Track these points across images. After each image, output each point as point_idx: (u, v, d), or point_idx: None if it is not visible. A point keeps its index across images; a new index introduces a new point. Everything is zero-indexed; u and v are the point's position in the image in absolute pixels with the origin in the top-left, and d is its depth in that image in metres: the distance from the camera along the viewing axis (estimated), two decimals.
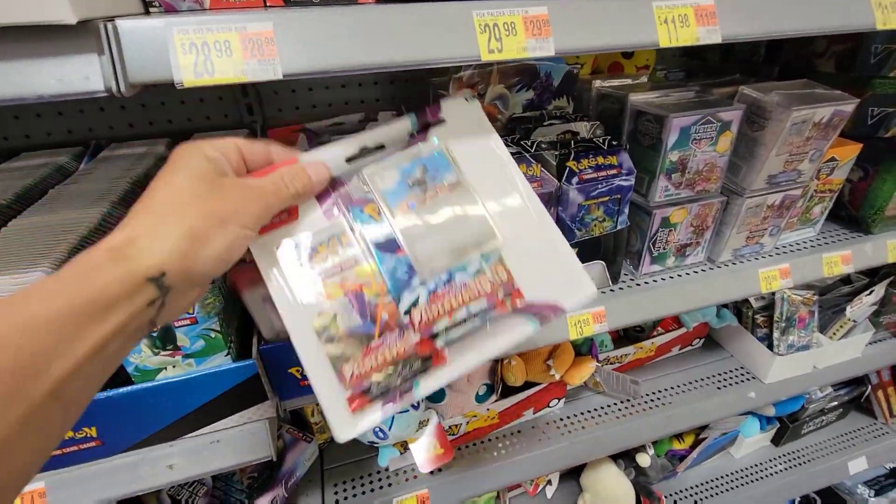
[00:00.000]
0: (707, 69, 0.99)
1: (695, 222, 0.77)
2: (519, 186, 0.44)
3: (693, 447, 1.23)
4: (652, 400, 1.06)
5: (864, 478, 1.50)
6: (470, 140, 0.44)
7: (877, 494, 1.47)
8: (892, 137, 0.83)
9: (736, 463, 1.33)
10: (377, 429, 0.78)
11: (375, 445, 0.84)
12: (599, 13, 0.41)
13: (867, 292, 1.05)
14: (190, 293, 0.33)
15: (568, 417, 1.02)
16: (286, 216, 0.39)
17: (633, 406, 1.04)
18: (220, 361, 0.51)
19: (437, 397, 0.88)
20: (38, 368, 0.25)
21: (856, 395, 1.32)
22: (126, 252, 0.29)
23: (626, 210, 0.71)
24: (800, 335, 1.05)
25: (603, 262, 0.74)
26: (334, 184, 0.41)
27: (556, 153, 0.66)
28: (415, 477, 0.89)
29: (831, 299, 1.11)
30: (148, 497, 0.76)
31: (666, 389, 1.09)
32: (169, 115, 0.89)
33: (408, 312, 0.40)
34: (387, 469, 0.91)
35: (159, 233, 0.30)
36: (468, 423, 0.91)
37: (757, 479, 1.30)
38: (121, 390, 0.48)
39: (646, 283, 0.79)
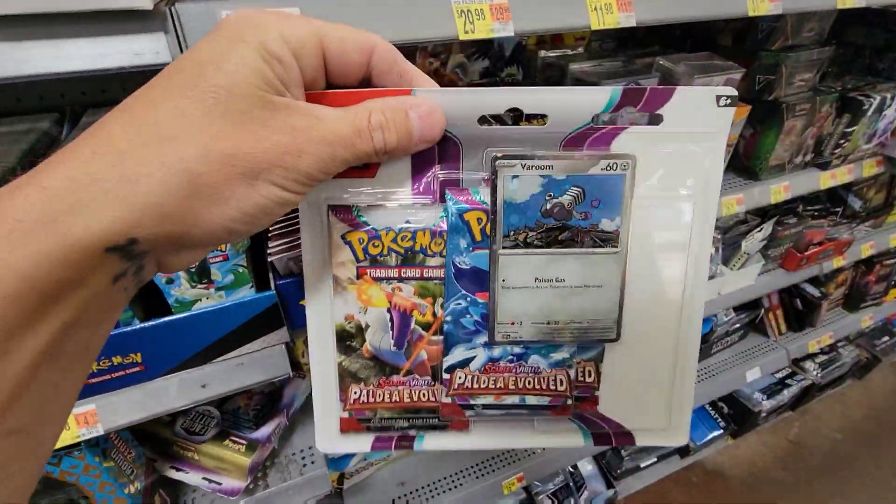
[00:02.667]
0: (635, 40, 1.15)
1: None
2: (695, 260, 0.29)
3: None
4: None
5: (758, 386, 1.84)
6: (678, 170, 0.28)
7: (768, 398, 1.81)
8: (773, 100, 1.03)
9: None
10: None
11: None
12: (548, 3, 0.53)
13: (758, 229, 1.29)
14: (184, 256, 0.23)
15: None
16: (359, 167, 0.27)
17: None
18: (246, 293, 0.61)
19: None
20: None
21: (752, 317, 1.61)
22: (68, 208, 0.18)
23: None
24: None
25: None
26: (447, 151, 0.28)
27: (511, 114, 0.79)
28: None
29: (732, 237, 1.34)
30: (162, 429, 0.85)
31: None
32: (143, 81, 0.92)
33: (451, 369, 0.31)
34: None
35: (130, 174, 0.19)
36: None
37: None
38: (163, 320, 0.58)
39: None
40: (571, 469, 1.58)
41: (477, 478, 1.30)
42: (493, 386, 0.31)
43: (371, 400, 0.32)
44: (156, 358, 0.60)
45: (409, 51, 0.84)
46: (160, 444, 0.85)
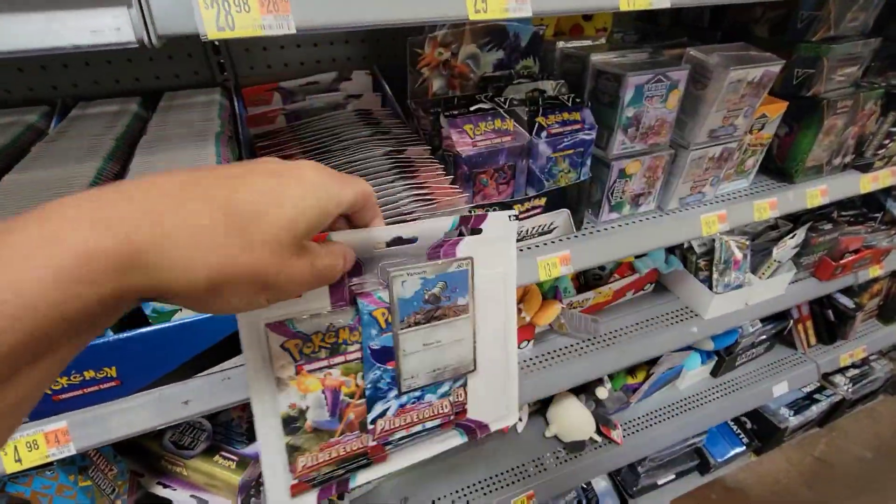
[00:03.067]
0: (659, 32, 1.07)
1: (647, 173, 0.86)
2: (508, 310, 0.44)
3: (645, 381, 1.38)
4: (609, 338, 1.19)
5: (785, 401, 1.74)
6: (494, 259, 0.42)
7: (795, 414, 1.71)
8: (812, 97, 0.94)
9: (680, 394, 1.51)
10: None
11: None
12: None
13: (790, 236, 1.20)
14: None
15: (536, 357, 1.13)
16: None
17: (592, 344, 1.17)
18: None
19: None
20: None
21: (780, 329, 1.51)
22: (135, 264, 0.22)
23: (588, 162, 0.79)
24: (735, 276, 1.19)
25: (568, 211, 0.82)
26: (356, 268, 0.36)
27: (527, 109, 0.72)
28: None
29: (761, 243, 1.26)
30: (149, 441, 0.80)
31: (622, 329, 1.22)
32: (136, 73, 0.88)
33: (374, 420, 0.41)
34: None
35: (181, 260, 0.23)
36: None
37: (697, 406, 1.48)
38: (138, 331, 0.52)
39: (605, 229, 0.88)
40: (584, 486, 1.50)
41: (485, 494, 1.23)
42: (404, 423, 0.43)
43: (315, 463, 0.39)
44: (132, 372, 0.55)
45: (410, 34, 0.78)
46: (147, 458, 0.80)
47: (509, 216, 0.41)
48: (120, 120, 0.74)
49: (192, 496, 0.79)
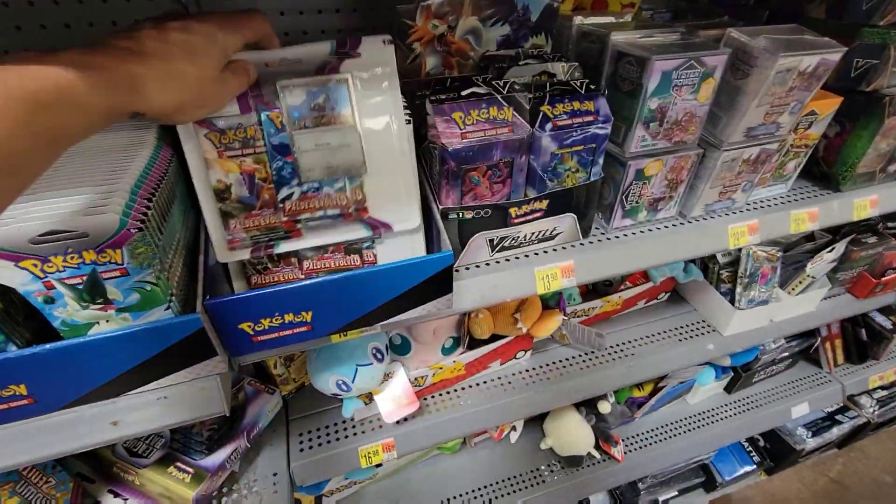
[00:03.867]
0: (696, 10, 0.94)
1: (669, 175, 0.74)
2: (394, 131, 0.53)
3: (652, 395, 1.28)
4: (616, 351, 1.09)
5: (804, 421, 1.62)
6: (373, 80, 0.51)
7: (813, 436, 1.59)
8: (872, 92, 0.81)
9: (690, 409, 1.41)
10: (340, 381, 0.77)
11: (339, 398, 0.83)
12: None
13: (828, 249, 1.07)
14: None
15: (534, 368, 1.04)
16: None
17: (597, 357, 1.07)
18: (160, 315, 0.47)
19: (402, 350, 0.87)
20: None
21: (806, 346, 1.39)
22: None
23: (601, 161, 0.68)
24: (761, 290, 1.07)
25: (574, 216, 0.71)
26: (255, 84, 0.48)
27: (530, 96, 0.61)
28: (380, 426, 0.90)
29: (794, 256, 1.13)
30: (102, 449, 0.73)
31: (630, 341, 1.11)
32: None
33: (283, 200, 0.52)
34: (352, 419, 0.91)
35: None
36: (434, 374, 0.91)
37: (708, 424, 1.38)
38: (48, 346, 0.44)
39: (616, 237, 0.77)
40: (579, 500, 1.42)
41: None
42: (308, 207, 0.54)
43: (243, 227, 0.53)
44: (47, 390, 0.47)
45: (401, 3, 0.67)
46: (97, 463, 0.74)
47: (384, 40, 0.50)
48: None
49: None
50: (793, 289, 1.12)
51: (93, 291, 0.43)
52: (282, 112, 0.49)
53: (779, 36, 0.68)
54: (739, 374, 1.36)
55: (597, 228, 0.79)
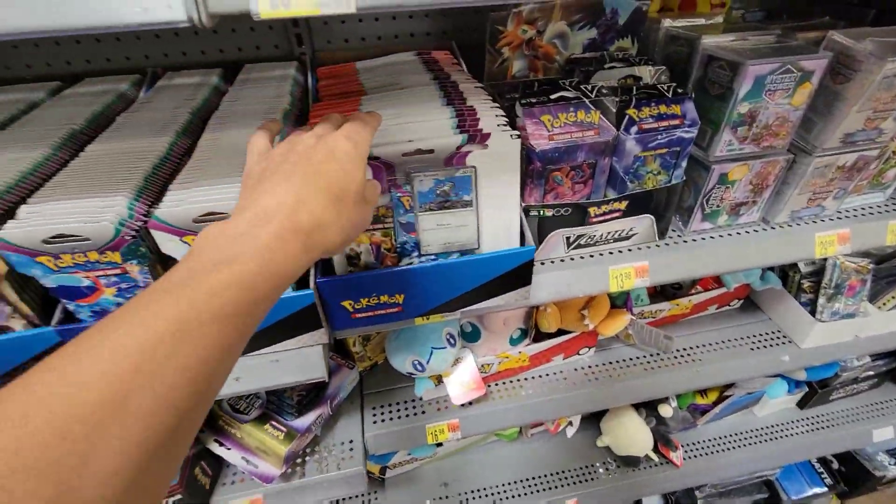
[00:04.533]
0: (791, 9, 0.90)
1: (755, 180, 0.73)
2: (508, 215, 0.60)
3: (717, 403, 1.25)
4: (683, 355, 1.08)
5: (887, 446, 1.51)
6: (496, 171, 0.56)
7: None
8: None
9: (757, 421, 1.36)
10: (416, 361, 0.83)
11: (412, 377, 0.89)
12: None
13: None
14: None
15: (597, 366, 1.05)
16: None
17: (661, 359, 1.06)
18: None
19: (472, 337, 0.92)
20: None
21: (894, 366, 1.29)
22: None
23: (684, 164, 0.68)
24: (847, 303, 1.02)
25: (652, 217, 0.73)
26: (390, 168, 0.53)
27: (617, 100, 0.63)
28: (447, 407, 0.96)
29: (887, 268, 1.06)
30: None
31: (698, 346, 1.10)
32: (221, 44, 0.89)
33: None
34: (421, 399, 0.97)
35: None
36: (500, 363, 0.95)
37: (776, 439, 1.32)
38: None
39: (693, 240, 0.77)
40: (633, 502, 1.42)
41: (527, 494, 1.20)
42: None
43: None
44: None
45: (493, 9, 0.70)
46: (207, 416, 0.85)
47: (511, 135, 0.54)
48: (199, 92, 0.75)
49: (242, 458, 0.83)
50: (884, 304, 1.05)
51: None
52: (412, 196, 0.55)
53: (887, 39, 0.65)
54: (815, 389, 1.29)
55: (673, 231, 0.79)
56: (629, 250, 0.75)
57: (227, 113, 0.65)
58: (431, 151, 0.52)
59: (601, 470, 1.25)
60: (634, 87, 0.67)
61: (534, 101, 0.62)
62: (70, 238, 0.45)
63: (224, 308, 0.28)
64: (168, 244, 0.49)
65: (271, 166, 0.37)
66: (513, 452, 1.29)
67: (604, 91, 0.64)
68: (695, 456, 1.28)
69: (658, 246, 0.76)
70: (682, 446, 1.27)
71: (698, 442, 1.31)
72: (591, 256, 0.74)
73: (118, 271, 0.49)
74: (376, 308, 0.61)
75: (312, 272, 0.57)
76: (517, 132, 0.54)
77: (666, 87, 0.66)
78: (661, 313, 1.09)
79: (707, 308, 1.15)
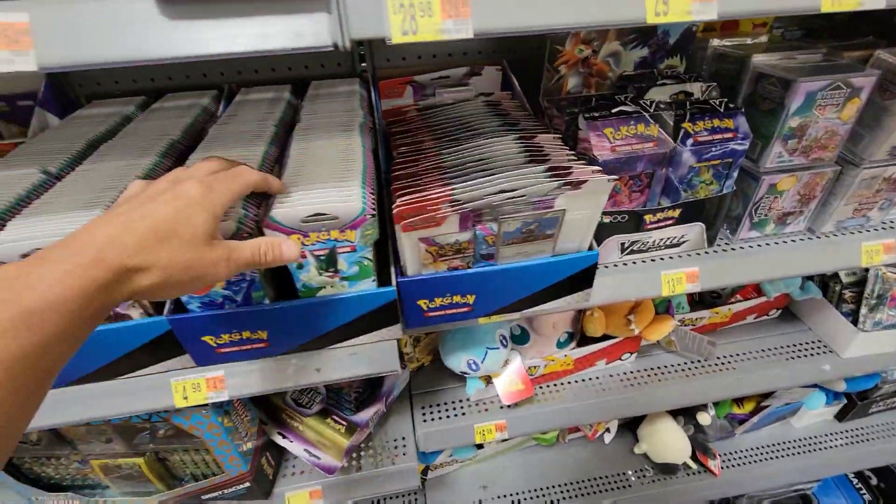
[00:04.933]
0: (832, 28, 0.94)
1: (802, 191, 0.76)
2: (589, 234, 0.64)
3: (754, 413, 1.26)
4: (722, 363, 1.09)
5: None
6: (584, 206, 0.58)
7: None
8: None
9: (794, 432, 1.36)
10: (471, 361, 0.87)
11: (465, 376, 0.93)
12: None
13: None
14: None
15: (638, 371, 1.08)
16: (433, 223, 0.55)
17: (702, 366, 1.08)
18: (367, 286, 0.60)
19: (521, 340, 0.95)
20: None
21: None
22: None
23: (735, 174, 0.72)
24: (889, 314, 1.03)
25: (702, 225, 0.76)
26: (476, 211, 0.56)
27: (675, 114, 0.67)
28: (493, 408, 0.99)
29: None
30: (274, 396, 0.89)
31: (738, 354, 1.11)
32: (289, 63, 0.96)
33: None
34: (467, 399, 1.01)
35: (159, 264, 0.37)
36: (546, 366, 0.99)
37: (813, 451, 1.32)
38: (292, 302, 0.58)
39: (741, 248, 0.80)
40: None
41: (565, 499, 1.22)
42: None
43: None
44: (279, 337, 0.62)
45: (560, 33, 0.75)
46: (271, 410, 0.90)
47: (608, 179, 0.55)
48: (276, 106, 0.81)
49: (305, 450, 0.87)
50: None
51: (329, 261, 0.56)
52: (497, 235, 0.59)
53: None
54: (854, 401, 1.29)
55: (721, 239, 0.82)
56: (679, 256, 0.79)
57: (309, 125, 0.71)
58: (524, 196, 0.55)
59: (639, 477, 1.26)
60: (688, 103, 0.71)
61: (596, 114, 0.66)
62: None
63: (8, 349, 0.29)
64: None
65: (122, 202, 0.40)
66: (550, 457, 1.31)
67: (661, 106, 0.68)
68: (733, 466, 1.28)
69: (707, 253, 0.80)
70: (720, 455, 1.28)
71: (736, 452, 1.31)
72: (643, 262, 0.78)
73: None
74: (448, 307, 0.65)
75: (393, 271, 0.62)
76: (614, 177, 0.55)
77: (718, 103, 0.70)
78: (700, 321, 1.12)
79: (746, 317, 1.17)
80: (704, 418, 1.20)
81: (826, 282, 1.10)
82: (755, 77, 0.72)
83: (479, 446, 1.23)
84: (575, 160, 0.60)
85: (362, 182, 0.57)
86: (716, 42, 0.80)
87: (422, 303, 0.64)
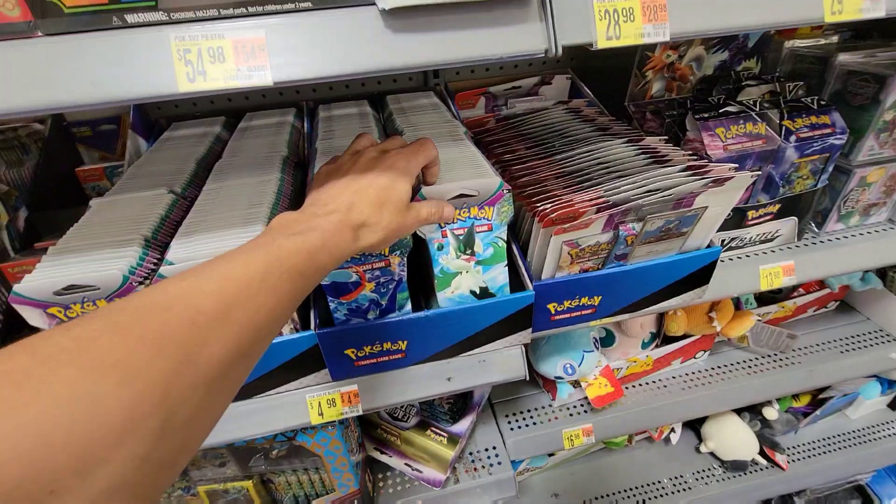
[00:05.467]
0: (880, 30, 0.98)
1: (888, 182, 0.79)
2: (714, 229, 0.66)
3: (811, 406, 1.28)
4: (791, 357, 1.11)
5: None
6: (719, 203, 0.60)
7: None
8: None
9: (851, 423, 1.38)
10: (567, 365, 0.87)
11: (559, 381, 0.93)
12: None
13: None
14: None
15: (711, 369, 1.09)
16: (582, 225, 0.56)
17: (772, 361, 1.10)
18: (499, 272, 0.60)
19: (607, 342, 0.96)
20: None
21: None
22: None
23: (831, 169, 0.74)
24: None
25: (796, 219, 0.78)
26: (623, 212, 0.57)
27: (780, 112, 0.70)
28: (576, 413, 0.99)
29: None
30: (371, 415, 0.88)
31: (803, 348, 1.13)
32: (363, 79, 0.97)
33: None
34: (549, 405, 1.01)
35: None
36: (628, 367, 0.99)
37: (870, 441, 1.34)
38: (430, 312, 0.58)
39: (829, 240, 0.83)
40: None
41: (639, 502, 1.21)
42: None
43: None
44: (417, 347, 0.61)
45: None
46: (366, 426, 0.89)
47: (751, 175, 0.58)
48: (367, 120, 0.82)
49: (406, 464, 0.86)
50: None
51: (467, 242, 0.56)
52: (638, 235, 0.60)
53: None
54: None
55: (807, 233, 0.84)
56: (772, 251, 0.81)
57: (417, 135, 0.72)
58: (670, 195, 0.56)
59: (706, 476, 1.26)
60: (782, 101, 0.74)
61: (706, 115, 0.68)
62: None
63: (296, 266, 0.37)
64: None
65: (340, 171, 0.48)
66: (617, 461, 1.30)
67: (765, 105, 0.71)
68: (795, 460, 1.29)
69: (798, 246, 0.82)
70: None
71: (797, 446, 1.33)
72: (739, 258, 0.80)
73: (382, 264, 0.55)
74: (574, 310, 0.66)
75: (526, 276, 0.62)
76: (756, 172, 0.59)
77: (810, 101, 0.73)
78: (766, 316, 1.14)
79: (807, 310, 1.19)
80: (771, 413, 1.22)
81: (884, 271, 1.13)
82: (842, 74, 0.75)
83: (550, 454, 1.22)
84: (695, 159, 0.62)
85: (490, 167, 0.58)
86: (792, 43, 0.83)
87: (551, 306, 0.65)
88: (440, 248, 0.57)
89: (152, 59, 0.35)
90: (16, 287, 0.45)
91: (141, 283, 0.48)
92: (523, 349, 0.67)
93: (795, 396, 1.32)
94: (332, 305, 0.56)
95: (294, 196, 0.64)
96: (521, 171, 0.68)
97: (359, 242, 0.44)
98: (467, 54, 0.38)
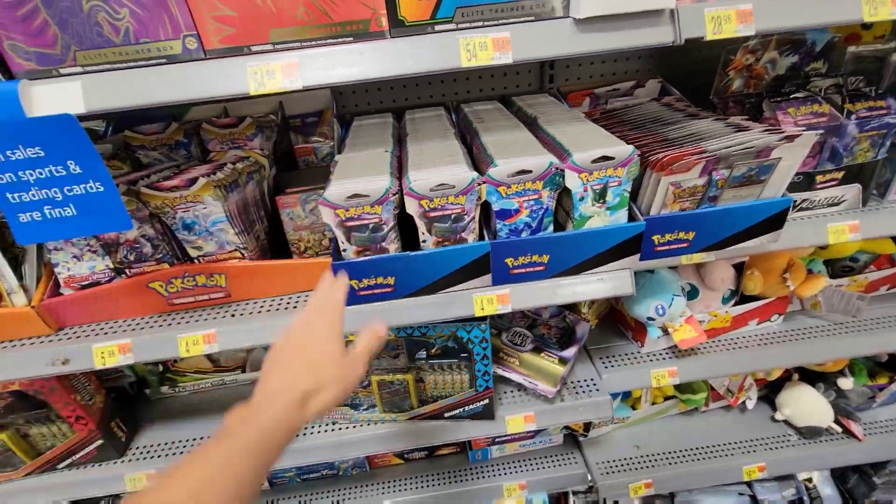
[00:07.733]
0: None
1: None
2: (787, 179, 0.84)
3: (891, 383, 1.36)
4: (865, 324, 1.23)
5: None
6: (791, 156, 0.80)
7: None
8: None
9: None
10: (659, 306, 1.07)
11: (650, 323, 1.13)
12: None
13: None
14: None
15: (786, 331, 1.23)
16: (685, 168, 0.78)
17: (841, 328, 1.22)
18: (622, 216, 0.83)
19: (691, 296, 1.15)
20: None
21: None
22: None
23: (888, 143, 0.92)
24: None
25: (860, 186, 0.95)
26: (717, 160, 0.77)
27: (841, 97, 0.89)
28: (658, 359, 1.17)
29: None
30: (494, 339, 1.12)
31: (874, 318, 1.25)
32: (492, 84, 1.25)
33: None
34: (637, 352, 1.19)
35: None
36: (709, 321, 1.17)
37: None
38: (570, 232, 0.82)
39: (891, 206, 0.98)
40: (808, 485, 1.50)
41: (714, 457, 1.34)
42: None
43: None
44: (554, 263, 0.85)
45: (734, 48, 1.00)
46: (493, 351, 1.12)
47: (815, 133, 0.77)
48: (504, 112, 1.09)
49: (524, 378, 1.08)
50: None
51: (601, 194, 0.80)
52: (727, 179, 0.79)
53: None
54: None
55: (872, 201, 1.01)
56: (839, 214, 0.98)
57: (549, 119, 0.98)
58: (753, 147, 0.77)
59: (782, 441, 1.37)
60: (844, 90, 0.93)
61: (779, 98, 0.89)
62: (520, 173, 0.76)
63: (251, 450, 0.50)
64: (572, 180, 0.79)
65: (277, 354, 0.59)
66: (694, 423, 1.44)
67: (829, 91, 0.90)
68: (873, 434, 1.37)
69: (863, 211, 0.98)
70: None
71: (873, 422, 1.40)
72: (809, 218, 0.97)
73: (536, 196, 0.79)
74: (672, 243, 0.87)
75: (636, 210, 0.85)
76: (820, 130, 0.79)
77: (868, 90, 0.92)
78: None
79: (879, 288, 1.30)
80: (845, 383, 1.32)
81: None
82: None
83: (633, 407, 1.39)
84: (772, 129, 0.83)
85: (615, 139, 0.82)
86: (851, 48, 1.02)
87: (655, 238, 0.87)
88: (581, 199, 0.81)
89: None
90: (324, 194, 0.75)
91: (394, 195, 0.76)
92: (632, 272, 0.89)
93: (872, 375, 1.41)
94: (497, 226, 0.82)
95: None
96: (629, 142, 0.91)
97: (308, 415, 0.55)
98: (628, 43, 0.63)
